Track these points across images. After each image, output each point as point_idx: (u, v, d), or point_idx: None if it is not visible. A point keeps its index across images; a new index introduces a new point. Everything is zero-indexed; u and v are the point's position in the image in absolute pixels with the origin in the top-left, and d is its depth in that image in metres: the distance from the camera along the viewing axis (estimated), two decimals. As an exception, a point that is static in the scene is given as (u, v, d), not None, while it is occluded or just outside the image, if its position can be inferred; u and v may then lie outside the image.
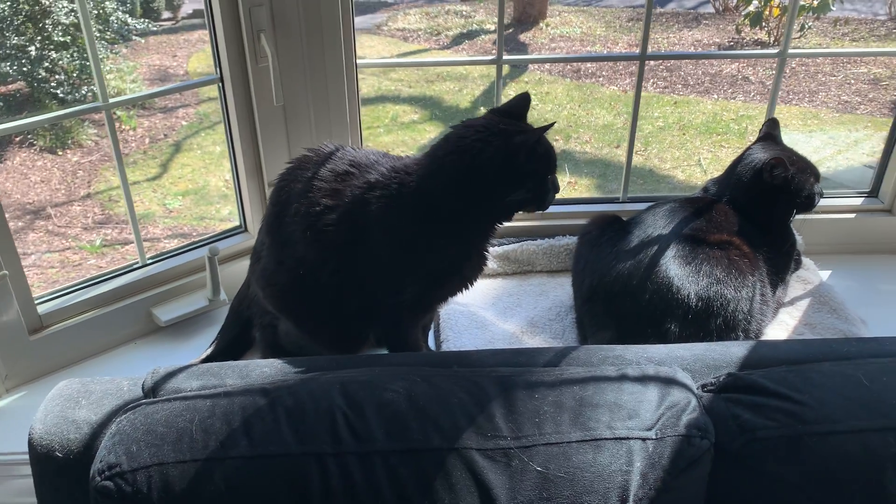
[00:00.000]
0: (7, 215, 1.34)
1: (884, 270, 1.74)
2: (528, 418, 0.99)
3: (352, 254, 1.23)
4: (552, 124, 1.22)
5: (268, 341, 1.38)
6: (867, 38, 5.67)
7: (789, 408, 1.02)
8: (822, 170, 1.54)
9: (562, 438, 0.97)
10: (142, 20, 5.34)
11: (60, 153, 4.28)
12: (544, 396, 1.01)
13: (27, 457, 1.03)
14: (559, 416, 0.99)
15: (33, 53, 4.34)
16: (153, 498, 0.92)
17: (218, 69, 1.51)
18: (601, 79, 5.21)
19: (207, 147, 4.39)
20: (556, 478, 0.95)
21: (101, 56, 4.61)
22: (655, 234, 1.42)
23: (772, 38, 5.46)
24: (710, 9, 6.53)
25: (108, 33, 4.83)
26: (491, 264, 1.66)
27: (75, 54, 4.37)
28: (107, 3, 4.81)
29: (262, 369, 1.10)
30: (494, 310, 1.58)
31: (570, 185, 3.87)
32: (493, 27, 6.13)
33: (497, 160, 1.18)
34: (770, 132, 1.58)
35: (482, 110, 1.29)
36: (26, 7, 4.31)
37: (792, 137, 4.26)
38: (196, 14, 6.31)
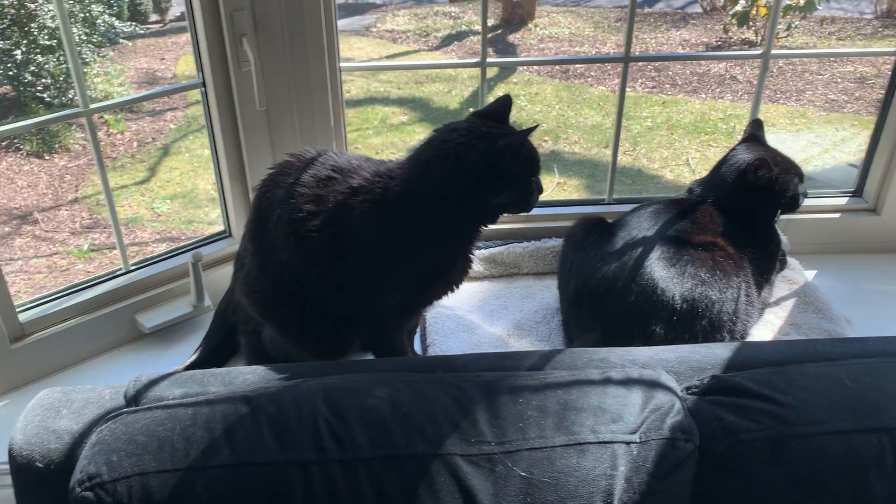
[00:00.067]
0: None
1: (868, 270, 1.75)
2: (512, 423, 0.98)
3: (335, 259, 1.22)
4: (536, 127, 1.22)
5: (252, 348, 1.38)
6: (853, 37, 5.70)
7: (773, 410, 1.02)
8: (808, 169, 1.55)
9: (546, 443, 0.97)
10: (129, 23, 5.31)
11: (47, 157, 4.26)
12: (528, 401, 1.01)
13: (7, 467, 1.01)
14: (543, 420, 0.99)
15: (19, 57, 4.31)
16: (134, 508, 0.91)
17: (200, 74, 1.50)
18: (590, 79, 5.22)
19: (196, 150, 4.37)
20: (541, 483, 0.94)
21: (88, 59, 4.60)
22: (640, 236, 1.42)
23: (759, 38, 5.49)
24: (697, 8, 6.56)
25: (95, 36, 4.80)
26: (477, 267, 1.65)
27: (61, 58, 4.34)
28: (93, 6, 4.78)
29: (246, 376, 1.10)
30: (481, 313, 1.58)
31: (559, 186, 3.87)
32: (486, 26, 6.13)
33: (481, 163, 1.18)
34: (754, 133, 1.59)
35: (471, 111, 1.29)
36: (12, 11, 4.29)
37: (779, 137, 4.28)
38: (184, 17, 6.28)
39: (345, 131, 1.64)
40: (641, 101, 4.83)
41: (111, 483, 0.92)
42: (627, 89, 4.93)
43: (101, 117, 4.37)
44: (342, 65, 1.56)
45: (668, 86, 5.06)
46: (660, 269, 1.34)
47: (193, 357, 1.42)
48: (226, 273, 1.50)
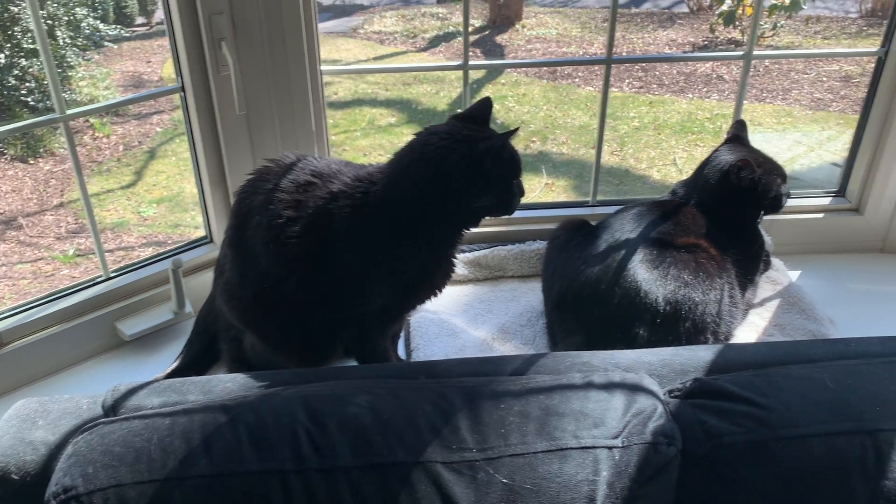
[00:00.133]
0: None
1: (852, 269, 1.76)
2: (493, 429, 0.97)
3: (316, 265, 1.21)
4: (516, 130, 1.22)
5: (234, 355, 1.36)
6: (839, 36, 5.73)
7: (755, 413, 1.02)
8: (793, 168, 1.55)
9: (527, 449, 0.96)
10: (114, 26, 5.28)
11: (32, 162, 4.22)
12: (510, 406, 1.00)
13: (-18, 480, 1.00)
14: (525, 426, 0.98)
15: (3, 61, 4.28)
16: (111, 521, 0.90)
17: (179, 78, 1.49)
18: (577, 80, 5.23)
19: (182, 154, 4.35)
20: (523, 489, 0.94)
21: (73, 63, 4.57)
22: (623, 239, 1.41)
23: (746, 37, 5.51)
24: (684, 8, 6.58)
25: (80, 39, 4.77)
26: (462, 270, 1.65)
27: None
28: (77, 9, 4.75)
29: (226, 385, 1.08)
30: (465, 316, 1.57)
31: (547, 187, 3.87)
32: (469, 29, 6.13)
33: (462, 166, 1.17)
34: (737, 134, 1.59)
35: (449, 115, 1.28)
36: (-6, 14, 4.26)
37: (765, 136, 4.29)
38: (169, 19, 6.24)
39: (327, 135, 1.63)
40: (628, 101, 4.84)
41: (87, 495, 0.91)
42: (614, 89, 4.98)
43: (87, 121, 4.34)
44: (323, 68, 1.55)
45: (654, 86, 5.07)
46: (643, 272, 1.34)
47: (174, 365, 1.41)
48: (207, 279, 1.48)
